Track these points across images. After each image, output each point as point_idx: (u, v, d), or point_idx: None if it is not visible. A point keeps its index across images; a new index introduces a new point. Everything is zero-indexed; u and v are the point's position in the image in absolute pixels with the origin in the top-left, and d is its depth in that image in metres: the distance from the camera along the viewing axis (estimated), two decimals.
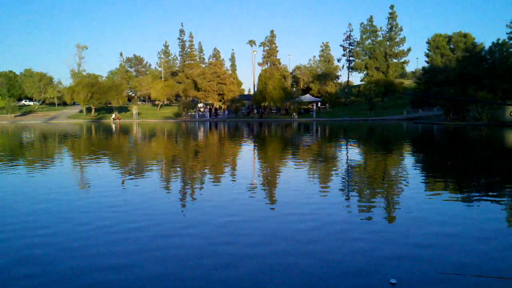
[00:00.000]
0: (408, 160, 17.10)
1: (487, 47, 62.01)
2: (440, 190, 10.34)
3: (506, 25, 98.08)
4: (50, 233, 6.63)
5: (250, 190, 10.27)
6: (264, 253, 5.57)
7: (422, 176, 13.09)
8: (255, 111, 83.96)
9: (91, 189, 10.94)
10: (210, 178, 12.64)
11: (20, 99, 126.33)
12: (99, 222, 7.27)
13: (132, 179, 12.58)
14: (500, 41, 60.33)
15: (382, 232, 6.52)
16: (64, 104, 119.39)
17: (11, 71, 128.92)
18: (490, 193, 9.75)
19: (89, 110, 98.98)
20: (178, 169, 15.08)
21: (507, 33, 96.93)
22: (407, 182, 11.28)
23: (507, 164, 15.84)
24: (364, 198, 9.41)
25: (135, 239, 6.27)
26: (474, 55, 59.93)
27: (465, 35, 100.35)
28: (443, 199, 9.09)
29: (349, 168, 14.59)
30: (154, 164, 16.56)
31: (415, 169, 14.64)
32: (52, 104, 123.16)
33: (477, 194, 9.88)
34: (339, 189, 10.49)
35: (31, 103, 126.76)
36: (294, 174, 13.12)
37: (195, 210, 8.40)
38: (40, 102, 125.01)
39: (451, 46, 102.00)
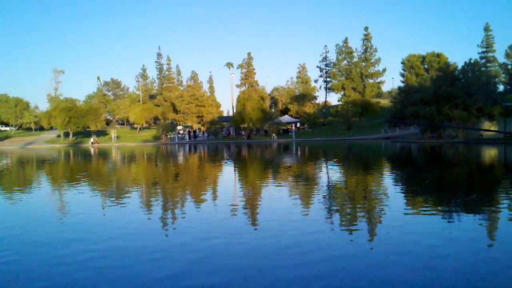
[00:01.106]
0: (387, 179, 17.30)
1: (460, 67, 63.30)
2: (418, 208, 10.49)
3: (478, 45, 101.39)
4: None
5: (233, 213, 10.30)
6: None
7: (401, 195, 13.26)
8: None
9: (67, 215, 10.83)
10: (191, 201, 12.63)
11: None
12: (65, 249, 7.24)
13: (111, 205, 12.49)
14: (472, 61, 61.71)
15: (363, 255, 6.61)
16: (41, 129, 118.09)
17: None
18: (467, 211, 9.94)
19: (67, 134, 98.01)
20: (158, 192, 15.02)
21: (478, 53, 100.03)
22: (386, 201, 11.42)
23: (483, 182, 16.15)
24: (345, 219, 9.50)
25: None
26: (448, 74, 61.01)
27: (438, 55, 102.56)
28: (421, 218, 9.24)
29: (329, 188, 14.70)
30: (133, 189, 16.47)
31: (394, 188, 14.82)
32: (29, 129, 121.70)
33: (455, 212, 10.04)
34: (321, 209, 10.56)
35: (8, 128, 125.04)
36: (276, 195, 13.18)
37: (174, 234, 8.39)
38: (17, 127, 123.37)
39: (425, 66, 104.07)
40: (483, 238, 7.50)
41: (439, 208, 10.58)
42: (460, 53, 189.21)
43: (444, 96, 53.71)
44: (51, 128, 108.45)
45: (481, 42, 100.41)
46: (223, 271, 5.84)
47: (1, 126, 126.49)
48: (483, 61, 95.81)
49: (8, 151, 66.61)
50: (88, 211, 11.12)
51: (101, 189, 16.54)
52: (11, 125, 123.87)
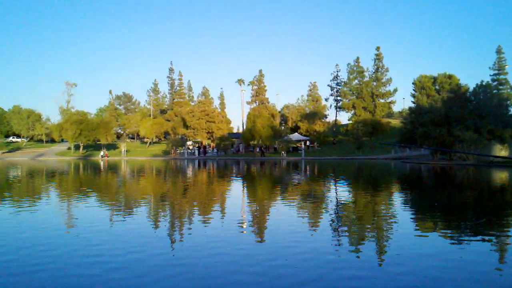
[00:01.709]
0: (397, 200, 17.18)
1: (471, 89, 63.13)
2: (426, 231, 10.40)
3: (490, 68, 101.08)
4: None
5: (240, 230, 10.28)
6: None
7: (410, 216, 13.15)
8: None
9: (75, 228, 10.85)
10: (199, 218, 12.62)
11: (7, 136, 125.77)
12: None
13: (119, 219, 12.50)
14: (484, 83, 61.54)
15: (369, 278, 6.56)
16: (52, 141, 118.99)
17: None
18: (476, 234, 9.83)
19: (77, 147, 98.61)
20: (166, 208, 15.02)
21: (490, 75, 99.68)
22: (395, 223, 11.33)
23: (493, 205, 15.99)
24: (353, 239, 9.44)
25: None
26: (459, 96, 60.90)
27: (450, 76, 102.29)
28: (429, 241, 9.16)
29: (340, 208, 14.63)
30: (142, 204, 16.48)
31: (403, 209, 14.70)
32: (40, 141, 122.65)
33: (464, 235, 9.93)
34: (330, 229, 10.50)
35: (19, 139, 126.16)
36: (287, 213, 13.14)
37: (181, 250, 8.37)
38: (28, 139, 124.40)
39: (436, 87, 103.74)
40: (491, 261, 7.40)
41: (448, 231, 10.48)
42: (472, 75, 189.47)
43: (455, 118, 53.52)
44: (62, 140, 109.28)
45: (493, 64, 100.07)
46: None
47: (13, 138, 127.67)
48: (495, 83, 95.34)
49: (19, 162, 67.09)
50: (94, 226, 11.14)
51: (109, 203, 16.57)
52: (23, 137, 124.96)
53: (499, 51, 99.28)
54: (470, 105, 57.83)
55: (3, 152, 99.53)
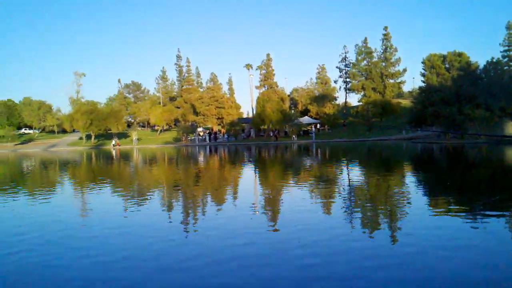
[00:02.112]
0: (409, 181, 17.23)
1: (482, 66, 62.63)
2: (440, 210, 10.47)
3: (500, 44, 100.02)
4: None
5: (252, 216, 10.43)
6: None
7: (424, 196, 13.21)
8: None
9: (90, 217, 11.05)
10: (215, 205, 12.78)
11: (19, 128, 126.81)
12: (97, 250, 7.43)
13: (134, 205, 12.69)
14: (494, 60, 60.97)
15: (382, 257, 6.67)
16: (64, 131, 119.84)
17: (10, 100, 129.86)
18: (490, 212, 9.88)
19: (88, 137, 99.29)
20: (180, 195, 15.20)
21: (500, 52, 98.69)
22: (408, 203, 11.41)
23: (506, 183, 16.01)
24: (367, 220, 9.54)
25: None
26: (469, 74, 60.40)
27: (459, 54, 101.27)
28: (443, 220, 9.24)
29: (353, 190, 14.72)
30: (156, 191, 16.68)
31: (416, 189, 14.74)
32: (52, 132, 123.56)
33: (477, 214, 9.98)
34: (343, 212, 10.61)
35: (31, 131, 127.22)
36: (302, 197, 13.25)
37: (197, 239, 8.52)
38: (40, 130, 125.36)
39: (446, 65, 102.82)
40: (505, 239, 7.47)
41: (461, 209, 10.54)
42: (482, 52, 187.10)
43: (465, 96, 53.15)
44: (74, 130, 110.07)
45: (503, 41, 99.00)
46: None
47: (25, 129, 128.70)
48: (506, 59, 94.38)
49: (32, 153, 67.74)
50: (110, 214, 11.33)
51: (125, 191, 16.79)
52: (35, 128, 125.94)
53: (509, 27, 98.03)
54: (480, 83, 57.33)
55: (16, 144, 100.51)
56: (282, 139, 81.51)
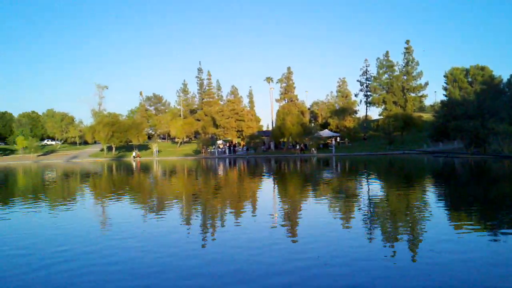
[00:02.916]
0: (430, 196, 16.99)
1: (505, 80, 61.90)
2: (461, 226, 10.28)
3: None
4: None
5: (273, 228, 10.36)
6: None
7: (445, 211, 13.00)
8: (297, 146, 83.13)
9: (111, 229, 11.10)
10: (233, 216, 12.74)
11: (42, 139, 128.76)
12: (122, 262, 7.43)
13: (153, 217, 12.73)
14: None
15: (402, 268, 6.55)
16: (86, 143, 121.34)
17: (34, 112, 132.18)
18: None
19: (110, 148, 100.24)
20: (199, 208, 15.20)
21: None
22: (429, 218, 11.23)
23: None
24: (386, 235, 9.41)
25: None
26: (492, 87, 59.77)
27: (482, 68, 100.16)
28: (464, 235, 9.06)
29: (372, 204, 14.57)
30: (176, 203, 16.71)
31: (438, 204, 14.53)
32: (74, 143, 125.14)
33: (499, 230, 9.77)
34: (363, 225, 10.49)
35: (53, 142, 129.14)
36: (322, 210, 13.15)
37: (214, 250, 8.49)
38: (62, 141, 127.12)
39: (469, 79, 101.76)
40: None
41: (483, 225, 10.33)
42: (505, 66, 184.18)
43: (488, 110, 52.44)
44: (95, 142, 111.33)
45: None
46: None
47: (47, 140, 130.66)
48: None
49: (54, 164, 68.62)
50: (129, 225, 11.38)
51: (145, 203, 16.86)
52: (57, 139, 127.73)
53: None
54: (504, 97, 56.63)
55: (39, 155, 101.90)
56: (303, 152, 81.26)
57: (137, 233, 10.16)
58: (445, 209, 13.35)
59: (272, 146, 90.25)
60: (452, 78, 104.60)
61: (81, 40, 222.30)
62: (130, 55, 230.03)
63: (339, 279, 6.16)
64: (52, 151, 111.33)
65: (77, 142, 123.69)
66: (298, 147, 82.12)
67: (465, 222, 10.72)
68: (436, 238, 8.65)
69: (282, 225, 10.83)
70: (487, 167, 34.01)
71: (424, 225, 10.32)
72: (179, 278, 6.43)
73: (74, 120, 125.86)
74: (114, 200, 17.70)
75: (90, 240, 9.36)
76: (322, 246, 8.17)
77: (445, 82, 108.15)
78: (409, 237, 9.09)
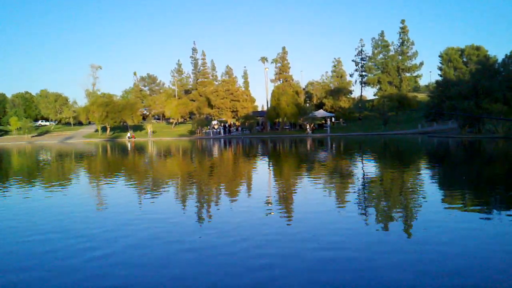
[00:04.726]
0: (425, 175, 17.07)
1: (500, 60, 61.76)
2: (454, 205, 10.34)
3: None
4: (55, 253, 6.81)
5: (267, 209, 10.39)
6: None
7: (438, 191, 13.06)
8: (307, 126, 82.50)
9: (106, 208, 11.11)
10: (227, 197, 12.77)
11: (36, 120, 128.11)
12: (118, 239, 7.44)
13: (148, 198, 12.74)
14: None
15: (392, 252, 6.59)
16: (80, 123, 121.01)
17: (27, 92, 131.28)
18: (505, 208, 9.73)
19: (104, 129, 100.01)
20: (195, 188, 15.22)
21: None
22: (423, 198, 11.29)
23: None
24: (381, 215, 9.46)
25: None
26: (487, 68, 59.52)
27: (477, 48, 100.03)
28: (458, 215, 9.11)
29: (369, 184, 14.62)
30: (171, 183, 16.72)
31: (431, 184, 14.60)
32: (68, 124, 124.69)
33: (492, 210, 9.82)
34: (356, 204, 10.52)
35: (47, 123, 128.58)
36: (315, 191, 13.19)
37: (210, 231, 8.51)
38: (56, 122, 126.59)
39: (464, 59, 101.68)
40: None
41: (476, 204, 10.40)
42: (500, 45, 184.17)
43: (483, 90, 52.47)
44: (89, 123, 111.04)
45: None
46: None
47: (41, 121, 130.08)
48: None
49: (48, 145, 68.41)
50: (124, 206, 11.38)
51: (139, 183, 16.86)
52: (51, 120, 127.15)
53: None
54: (499, 77, 56.57)
55: (33, 136, 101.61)
56: (296, 132, 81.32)
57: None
58: (438, 188, 13.43)
59: (268, 126, 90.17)
60: (447, 58, 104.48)
61: (75, 20, 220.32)
62: (124, 35, 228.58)
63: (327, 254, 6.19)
64: (46, 132, 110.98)
65: (71, 123, 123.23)
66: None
67: (457, 201, 10.77)
68: (428, 217, 8.69)
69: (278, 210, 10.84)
70: (481, 147, 34.14)
71: (418, 205, 10.37)
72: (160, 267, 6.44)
73: (68, 100, 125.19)
74: (108, 181, 17.69)
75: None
76: (313, 226, 8.20)
77: (440, 62, 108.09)
78: (402, 216, 9.13)
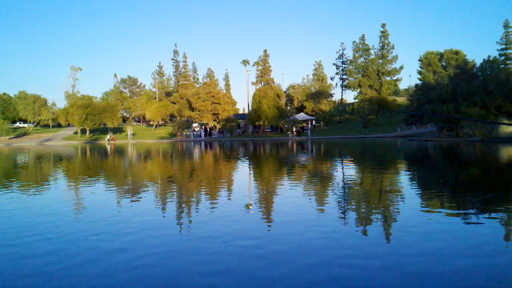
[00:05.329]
0: (403, 178, 17.15)
1: (478, 64, 62.71)
2: (432, 208, 10.37)
3: (497, 42, 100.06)
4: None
5: (247, 211, 10.29)
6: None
7: (415, 194, 13.10)
8: (294, 129, 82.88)
9: (84, 211, 10.90)
10: (207, 199, 12.64)
11: (14, 122, 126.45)
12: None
13: (128, 200, 12.56)
14: (491, 58, 61.05)
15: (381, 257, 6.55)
16: (59, 125, 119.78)
17: (5, 94, 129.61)
18: (482, 211, 9.79)
19: (83, 131, 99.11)
20: (174, 190, 15.06)
21: (497, 50, 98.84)
22: (401, 200, 11.31)
23: (500, 181, 15.94)
24: (358, 218, 9.43)
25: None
26: (466, 72, 60.44)
27: (456, 52, 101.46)
28: (435, 217, 9.13)
29: (347, 186, 14.61)
30: (149, 186, 16.53)
31: (409, 186, 14.65)
32: (47, 126, 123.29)
33: (470, 211, 9.88)
34: (336, 208, 10.49)
35: (26, 125, 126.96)
36: (294, 193, 13.14)
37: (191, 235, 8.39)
38: (35, 124, 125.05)
39: (443, 63, 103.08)
40: (498, 239, 7.37)
41: (453, 207, 10.45)
42: (479, 50, 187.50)
43: (462, 94, 53.23)
44: (69, 125, 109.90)
45: (500, 39, 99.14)
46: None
47: (19, 123, 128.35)
48: (502, 58, 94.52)
49: (26, 147, 67.43)
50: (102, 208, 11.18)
51: (116, 186, 16.64)
52: (29, 122, 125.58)
53: (506, 25, 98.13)
54: (477, 81, 57.46)
55: (10, 138, 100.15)
56: (276, 135, 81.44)
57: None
58: (416, 191, 13.48)
59: (250, 129, 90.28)
60: (426, 62, 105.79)
61: (55, 21, 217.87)
62: (104, 37, 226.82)
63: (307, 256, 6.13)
64: (25, 134, 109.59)
65: (50, 125, 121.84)
66: (294, 129, 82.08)
67: (436, 204, 10.81)
68: (409, 220, 8.69)
69: (259, 210, 10.74)
70: (458, 150, 34.56)
71: (396, 207, 10.37)
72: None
73: (47, 102, 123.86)
74: (86, 184, 17.44)
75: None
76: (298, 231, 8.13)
77: (419, 66, 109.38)
78: (381, 219, 9.11)
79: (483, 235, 7.40)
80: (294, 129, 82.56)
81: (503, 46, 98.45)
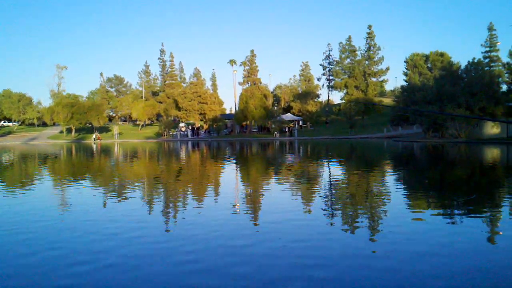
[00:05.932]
0: (388, 178, 17.29)
1: (463, 66, 63.37)
2: (417, 208, 10.48)
3: (481, 45, 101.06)
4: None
5: (234, 212, 10.33)
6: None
7: (401, 194, 13.22)
8: (287, 129, 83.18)
9: (70, 212, 10.85)
10: (193, 199, 12.65)
11: None
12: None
13: (114, 200, 12.52)
14: (475, 60, 61.69)
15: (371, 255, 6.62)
16: (44, 124, 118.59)
17: None
18: (466, 211, 9.93)
19: (69, 130, 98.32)
20: (160, 190, 15.04)
21: (482, 52, 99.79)
22: (387, 200, 11.42)
23: (485, 182, 16.15)
24: (345, 218, 9.50)
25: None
26: (451, 73, 61.09)
27: (441, 54, 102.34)
28: (415, 218, 9.24)
29: (332, 187, 14.70)
30: (135, 186, 16.49)
31: (394, 187, 14.77)
32: (32, 124, 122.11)
33: (455, 212, 10.01)
34: (322, 209, 10.55)
35: (10, 124, 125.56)
36: (281, 194, 13.19)
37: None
38: (20, 122, 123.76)
39: (429, 65, 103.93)
40: (481, 239, 7.48)
41: (438, 207, 10.57)
42: (463, 52, 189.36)
43: (447, 96, 53.77)
44: (54, 124, 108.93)
45: (485, 42, 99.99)
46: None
47: (4, 122, 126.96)
48: (487, 60, 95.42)
49: (11, 146, 66.78)
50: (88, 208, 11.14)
51: (102, 186, 16.57)
52: (14, 121, 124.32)
53: (490, 28, 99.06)
54: (461, 83, 58.05)
55: None
56: (264, 135, 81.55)
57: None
58: (402, 191, 13.60)
59: (237, 129, 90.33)
60: (412, 63, 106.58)
61: (40, 19, 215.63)
62: (90, 35, 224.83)
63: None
64: (9, 133, 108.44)
65: (35, 124, 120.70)
66: (287, 129, 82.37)
67: (420, 204, 10.92)
68: (394, 220, 8.78)
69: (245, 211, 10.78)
70: (443, 151, 34.92)
71: (381, 208, 10.46)
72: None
73: (32, 101, 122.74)
74: (70, 184, 17.34)
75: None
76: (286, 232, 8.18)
77: (405, 68, 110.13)
78: (367, 220, 9.19)
79: (458, 234, 7.52)
80: (287, 129, 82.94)
81: (488, 49, 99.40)
